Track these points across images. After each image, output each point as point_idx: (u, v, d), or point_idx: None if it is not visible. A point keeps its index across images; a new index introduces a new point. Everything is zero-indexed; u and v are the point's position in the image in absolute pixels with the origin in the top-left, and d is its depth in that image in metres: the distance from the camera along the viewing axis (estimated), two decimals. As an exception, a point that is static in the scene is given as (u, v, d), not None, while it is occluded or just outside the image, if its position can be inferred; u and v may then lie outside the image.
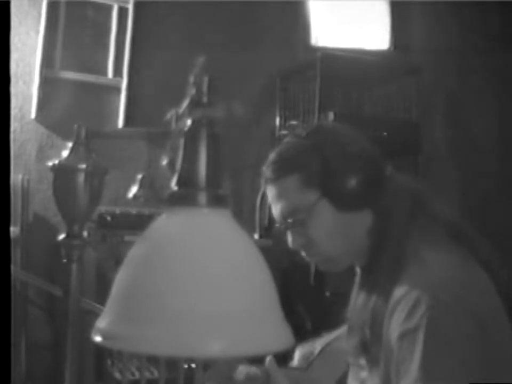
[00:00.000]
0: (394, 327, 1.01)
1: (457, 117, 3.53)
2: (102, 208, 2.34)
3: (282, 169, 1.14)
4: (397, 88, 3.07)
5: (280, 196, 1.15)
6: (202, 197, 0.61)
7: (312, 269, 2.56)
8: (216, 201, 0.62)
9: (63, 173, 0.92)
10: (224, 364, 1.21)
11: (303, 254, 1.19)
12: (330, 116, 2.63)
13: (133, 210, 2.39)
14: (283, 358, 1.19)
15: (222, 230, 0.62)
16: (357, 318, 1.13)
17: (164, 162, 0.65)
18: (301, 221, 1.13)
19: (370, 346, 1.08)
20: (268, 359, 1.18)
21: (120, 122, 2.79)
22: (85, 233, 0.94)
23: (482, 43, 3.47)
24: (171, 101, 0.67)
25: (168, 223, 0.62)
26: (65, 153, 0.92)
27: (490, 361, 0.98)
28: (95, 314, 0.61)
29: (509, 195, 3.47)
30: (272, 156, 1.18)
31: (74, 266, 0.92)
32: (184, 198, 0.62)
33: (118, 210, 2.41)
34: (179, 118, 0.64)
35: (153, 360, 2.08)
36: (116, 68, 2.81)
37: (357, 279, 1.22)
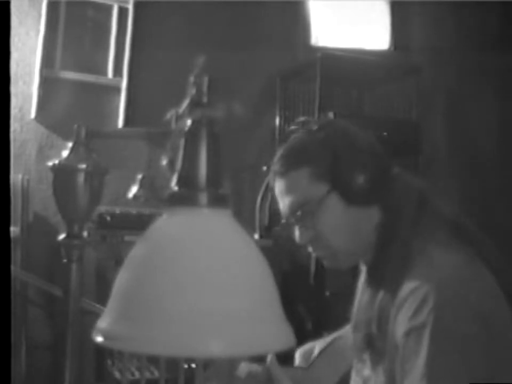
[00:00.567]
0: (400, 323, 1.01)
1: (457, 117, 3.53)
2: (102, 208, 2.34)
3: (293, 163, 1.15)
4: (397, 88, 3.07)
5: (289, 189, 1.15)
6: (203, 197, 0.61)
7: (312, 269, 2.56)
8: (217, 201, 0.62)
9: (63, 173, 0.92)
10: (226, 362, 1.22)
11: (310, 249, 1.19)
12: (330, 116, 2.62)
13: (133, 210, 2.39)
14: (284, 358, 1.19)
15: (223, 230, 0.62)
16: (363, 314, 1.13)
17: (164, 162, 0.65)
18: (310, 213, 1.13)
19: (376, 342, 1.08)
20: (270, 357, 1.18)
21: (120, 122, 2.79)
22: (85, 233, 0.94)
23: (482, 43, 3.46)
24: (171, 101, 0.67)
25: (168, 223, 0.62)
26: (65, 153, 0.92)
27: (495, 360, 0.98)
28: (95, 315, 0.61)
29: (509, 195, 3.47)
30: (281, 150, 1.19)
31: (74, 266, 0.92)
32: (184, 198, 0.62)
33: (118, 210, 2.41)
34: (179, 118, 0.64)
35: (153, 360, 2.08)
36: (115, 67, 2.81)
37: (363, 276, 1.22)
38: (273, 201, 1.24)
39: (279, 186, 1.18)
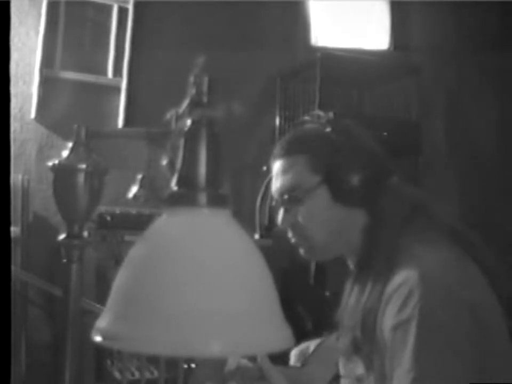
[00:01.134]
0: (387, 320, 1.02)
1: (457, 117, 3.53)
2: (102, 208, 2.34)
3: (294, 148, 1.18)
4: (397, 88, 3.07)
5: (284, 171, 1.18)
6: (203, 197, 0.61)
7: (312, 269, 2.56)
8: (216, 201, 0.62)
9: (63, 173, 0.92)
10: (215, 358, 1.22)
11: (289, 234, 1.21)
12: (330, 115, 2.62)
13: (133, 210, 2.39)
14: (280, 357, 1.20)
15: (222, 230, 0.62)
16: (349, 318, 1.14)
17: (164, 162, 0.65)
18: (296, 200, 1.16)
19: (362, 346, 1.09)
20: (260, 355, 1.19)
21: (120, 122, 2.79)
22: (85, 233, 0.94)
23: (482, 43, 3.46)
24: (171, 101, 0.67)
25: (168, 223, 0.62)
26: (65, 153, 0.92)
27: (484, 351, 0.98)
28: (95, 315, 0.61)
29: (509, 195, 3.47)
30: (286, 135, 1.23)
31: (74, 266, 0.92)
32: (184, 198, 0.62)
33: (118, 210, 2.41)
34: (179, 118, 0.64)
35: (153, 360, 2.08)
36: (115, 67, 2.81)
37: (349, 279, 1.23)
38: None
39: (275, 167, 1.21)
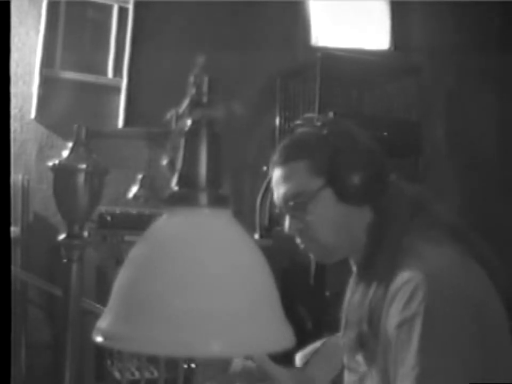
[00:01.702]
0: (392, 317, 1.03)
1: (457, 116, 3.53)
2: (102, 208, 2.34)
3: (293, 154, 1.18)
4: (397, 88, 3.07)
5: (286, 178, 1.18)
6: (203, 197, 0.61)
7: (312, 269, 2.56)
8: (217, 201, 0.62)
9: (63, 173, 0.92)
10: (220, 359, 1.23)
11: (298, 240, 1.21)
12: (330, 116, 2.62)
13: (133, 210, 2.40)
14: (283, 358, 1.20)
15: (223, 230, 0.62)
16: (354, 313, 1.14)
17: (164, 162, 0.65)
18: (302, 205, 1.16)
19: (368, 341, 1.09)
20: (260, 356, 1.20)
21: (120, 122, 2.79)
22: (85, 233, 0.94)
23: (482, 43, 3.46)
24: (171, 101, 0.67)
25: (168, 224, 0.62)
26: (65, 153, 0.92)
27: (486, 349, 0.99)
28: (95, 315, 0.61)
29: (509, 195, 3.47)
30: (284, 141, 1.22)
31: (74, 266, 0.92)
32: (184, 198, 0.62)
33: (118, 210, 2.41)
34: (179, 118, 0.64)
35: (153, 360, 2.08)
36: (115, 67, 2.81)
37: (353, 276, 1.23)
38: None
39: (276, 175, 1.20)
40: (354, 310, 1.15)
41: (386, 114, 3.10)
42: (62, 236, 0.92)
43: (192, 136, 0.63)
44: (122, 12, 2.80)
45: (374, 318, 1.07)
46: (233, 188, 2.91)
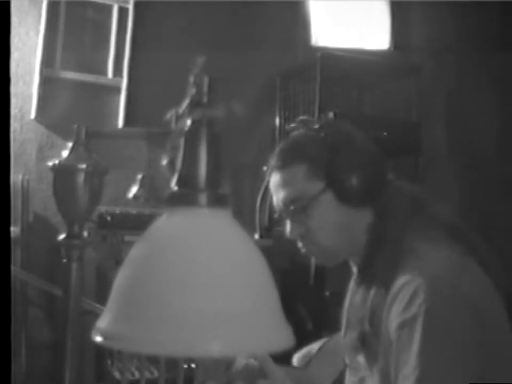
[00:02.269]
0: (393, 318, 1.03)
1: (457, 117, 3.53)
2: (102, 208, 2.34)
3: (291, 157, 1.17)
4: (397, 88, 3.07)
5: (285, 182, 1.17)
6: (203, 197, 0.61)
7: (312, 269, 2.56)
8: (217, 201, 0.62)
9: (63, 173, 0.92)
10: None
11: (300, 244, 1.21)
12: (330, 115, 2.62)
13: (133, 210, 2.39)
14: (282, 358, 1.20)
15: (223, 230, 0.62)
16: (355, 313, 1.14)
17: (164, 162, 0.65)
18: (302, 209, 1.15)
19: (369, 341, 1.09)
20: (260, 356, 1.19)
21: (120, 122, 2.79)
22: (85, 233, 0.94)
23: (482, 43, 3.46)
24: (171, 101, 0.67)
25: (168, 224, 0.62)
26: (65, 153, 0.92)
27: (487, 349, 0.99)
28: (95, 314, 0.61)
29: (509, 195, 3.47)
30: (281, 145, 1.21)
31: (74, 266, 0.92)
32: (184, 198, 0.62)
33: (118, 210, 2.41)
34: (179, 118, 0.64)
35: (153, 360, 2.08)
36: (115, 67, 2.81)
37: (353, 277, 1.23)
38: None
39: (275, 180, 1.20)
40: (355, 310, 1.15)
41: (386, 114, 3.10)
42: (62, 236, 0.93)
43: (192, 136, 0.63)
44: (122, 12, 2.80)
45: (375, 319, 1.08)
46: (233, 188, 2.91)
